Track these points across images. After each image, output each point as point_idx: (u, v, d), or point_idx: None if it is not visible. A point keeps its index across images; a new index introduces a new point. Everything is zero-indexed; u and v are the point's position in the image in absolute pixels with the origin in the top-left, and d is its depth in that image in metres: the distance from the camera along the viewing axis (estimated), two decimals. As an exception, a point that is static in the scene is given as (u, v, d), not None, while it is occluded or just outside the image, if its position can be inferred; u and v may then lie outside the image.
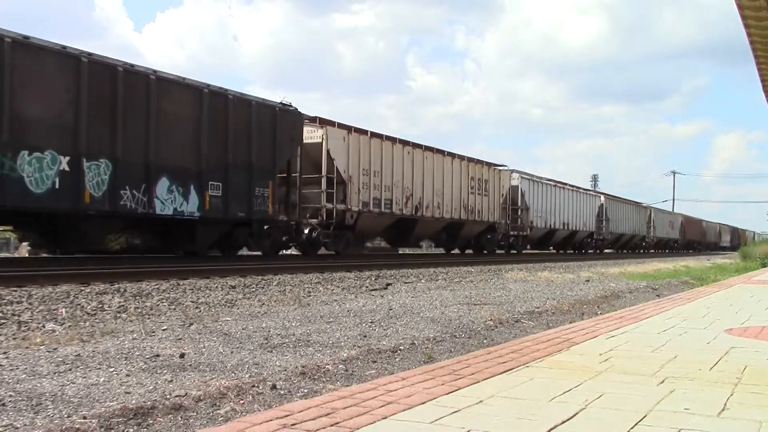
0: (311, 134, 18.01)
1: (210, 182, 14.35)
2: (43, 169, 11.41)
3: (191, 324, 5.52)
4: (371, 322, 5.82)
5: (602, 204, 39.81)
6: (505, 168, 28.60)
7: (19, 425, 2.56)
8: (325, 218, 17.91)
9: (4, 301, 6.74)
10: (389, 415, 2.34)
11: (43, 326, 5.30)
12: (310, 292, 9.12)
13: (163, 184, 13.41)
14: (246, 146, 15.24)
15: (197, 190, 14.10)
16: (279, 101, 16.54)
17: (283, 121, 16.28)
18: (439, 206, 22.79)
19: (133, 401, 2.91)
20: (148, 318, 5.98)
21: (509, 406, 2.51)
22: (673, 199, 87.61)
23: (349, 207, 18.67)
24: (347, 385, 3.23)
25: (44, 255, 14.01)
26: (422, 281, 11.93)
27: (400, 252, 24.51)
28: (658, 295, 9.78)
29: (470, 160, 25.36)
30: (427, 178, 22.12)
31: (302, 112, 17.42)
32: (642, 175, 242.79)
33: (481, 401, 2.57)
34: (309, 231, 17.72)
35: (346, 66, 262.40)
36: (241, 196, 15.13)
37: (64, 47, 11.95)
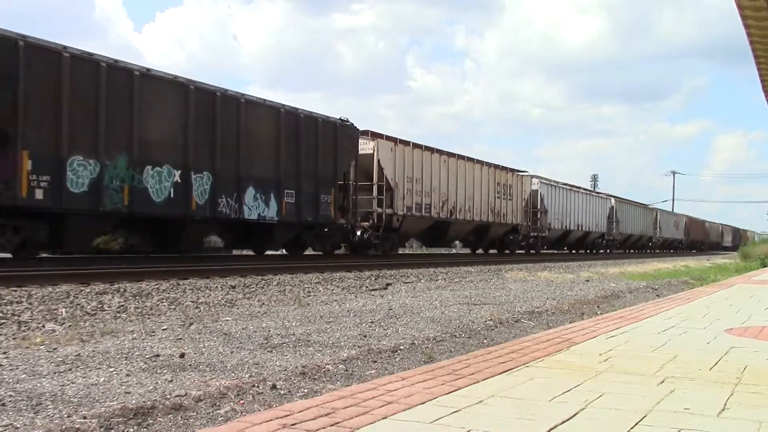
0: (364, 146, 19.75)
1: (286, 191, 16.45)
2: (162, 181, 13.44)
3: (191, 324, 5.52)
4: (371, 322, 5.82)
5: (612, 206, 41.60)
6: (527, 174, 30.57)
7: (19, 425, 2.56)
8: (375, 221, 19.96)
9: (4, 301, 6.74)
10: (389, 415, 2.34)
11: (43, 326, 5.30)
12: (310, 292, 9.12)
13: (249, 193, 15.43)
14: (314, 158, 17.26)
15: (276, 198, 16.17)
16: (338, 118, 18.43)
17: (343, 135, 18.26)
18: (469, 209, 24.89)
19: (133, 401, 2.91)
20: (148, 318, 5.98)
21: (509, 406, 2.51)
22: (673, 199, 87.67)
23: (396, 211, 20.75)
24: (347, 385, 3.23)
25: (44, 255, 14.02)
26: (422, 281, 11.93)
27: (400, 252, 25.03)
28: (658, 295, 9.78)
29: (496, 167, 27.34)
30: (460, 184, 24.26)
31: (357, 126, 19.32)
32: (642, 175, 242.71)
33: (481, 401, 2.57)
34: (361, 233, 19.72)
35: (346, 66, 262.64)
36: (310, 203, 17.17)
37: (175, 77, 14.00)
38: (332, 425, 2.20)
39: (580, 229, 36.16)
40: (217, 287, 9.08)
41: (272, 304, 7.37)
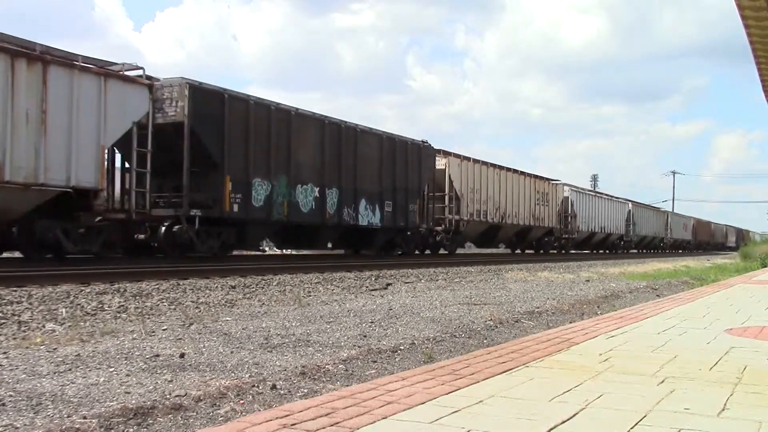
0: (438, 163, 23.30)
1: (386, 201, 20.21)
2: (307, 196, 17.21)
3: (191, 324, 5.52)
4: (371, 322, 5.82)
5: (630, 210, 45.18)
6: (560, 182, 34.68)
7: (19, 425, 2.56)
8: (447, 226, 23.67)
9: (4, 301, 6.74)
10: (389, 415, 2.34)
11: (43, 326, 5.30)
12: (310, 292, 9.12)
13: (362, 204, 19.25)
14: (404, 174, 20.94)
15: (379, 208, 19.97)
16: (420, 140, 22.28)
17: (424, 154, 22.08)
18: (515, 215, 28.65)
19: (133, 401, 2.91)
20: (148, 318, 5.98)
21: (509, 406, 2.51)
22: (673, 199, 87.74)
23: (462, 217, 24.43)
24: (347, 385, 3.23)
25: (46, 255, 14.03)
26: (422, 281, 11.93)
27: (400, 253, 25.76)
28: (658, 295, 9.78)
29: (536, 177, 31.28)
30: (509, 193, 28.06)
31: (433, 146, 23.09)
32: (642, 175, 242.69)
33: (480, 401, 2.57)
34: (434, 235, 23.46)
35: (346, 66, 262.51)
36: (402, 211, 20.90)
37: (314, 113, 17.74)
38: (332, 425, 2.20)
39: (603, 231, 39.75)
40: (217, 287, 9.08)
41: (272, 304, 7.37)
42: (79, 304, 6.72)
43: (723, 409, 2.53)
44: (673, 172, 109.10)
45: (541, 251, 32.13)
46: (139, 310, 6.48)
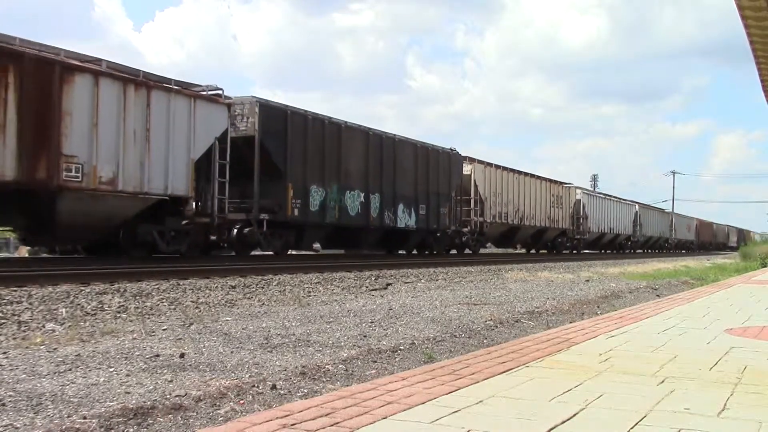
0: (464, 169, 25.40)
1: (420, 205, 22.04)
2: (354, 201, 19.01)
3: (191, 324, 5.52)
4: (371, 322, 5.82)
5: (636, 211, 47.26)
6: (572, 185, 36.55)
7: (19, 425, 2.56)
8: (473, 227, 25.80)
9: (4, 301, 6.74)
10: (389, 415, 2.34)
11: (43, 326, 5.30)
12: (310, 292, 9.12)
13: (400, 208, 21.04)
14: (436, 180, 22.91)
15: (414, 211, 21.75)
16: (449, 148, 24.20)
17: (453, 161, 24.16)
18: (533, 217, 30.57)
19: (133, 401, 2.91)
20: (148, 318, 5.98)
21: (509, 406, 2.51)
22: (673, 199, 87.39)
23: (485, 219, 26.42)
24: (347, 385, 3.23)
25: (44, 255, 14.06)
26: (422, 281, 11.93)
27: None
28: (658, 295, 9.78)
29: (551, 181, 33.27)
30: (527, 196, 30.02)
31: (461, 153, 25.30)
32: (642, 175, 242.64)
33: (480, 401, 2.57)
34: (461, 236, 25.42)
35: (346, 65, 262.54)
36: (434, 214, 22.85)
37: (359, 126, 19.66)
38: (332, 425, 2.20)
39: (612, 232, 41.89)
40: (217, 287, 9.08)
41: (272, 304, 7.37)
42: (79, 304, 6.72)
43: (723, 409, 2.53)
44: (673, 172, 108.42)
45: (555, 251, 34.05)
46: (139, 310, 6.48)
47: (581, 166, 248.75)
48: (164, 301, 7.34)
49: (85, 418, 2.63)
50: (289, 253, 18.00)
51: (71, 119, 11.62)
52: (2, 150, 10.67)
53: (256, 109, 15.82)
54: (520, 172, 29.85)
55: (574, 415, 2.39)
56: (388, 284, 10.85)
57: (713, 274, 16.37)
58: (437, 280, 12.25)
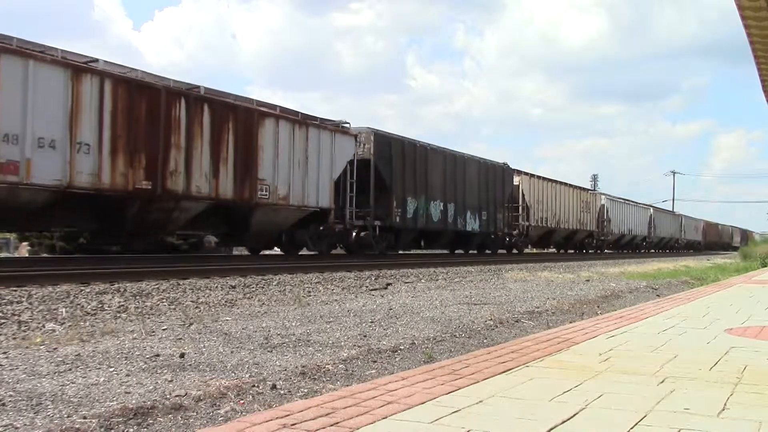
0: (513, 180, 29.50)
1: (482, 212, 26.20)
2: (436, 209, 23.02)
3: (191, 324, 5.52)
4: (371, 322, 5.82)
5: (651, 214, 51.62)
6: (598, 192, 42.42)
7: (19, 425, 2.56)
8: (520, 231, 29.95)
9: (4, 301, 6.74)
10: (389, 415, 2.34)
11: (43, 326, 5.30)
12: (310, 292, 9.12)
13: (467, 214, 25.01)
14: (493, 190, 27.15)
15: (478, 217, 25.87)
16: (503, 162, 28.35)
17: (506, 173, 28.50)
18: (566, 221, 34.87)
19: (133, 401, 2.91)
20: (148, 318, 5.98)
21: (509, 406, 2.51)
22: (673, 199, 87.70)
23: (530, 223, 30.57)
24: (347, 385, 3.23)
25: (44, 255, 14.06)
26: (422, 281, 11.93)
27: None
28: (658, 295, 9.78)
29: (581, 189, 38.45)
30: (562, 203, 34.41)
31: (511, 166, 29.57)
32: (642, 175, 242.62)
33: (481, 401, 2.57)
34: (511, 238, 29.60)
35: (346, 65, 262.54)
36: (492, 219, 27.02)
37: (439, 147, 23.69)
38: (332, 425, 2.20)
39: (630, 233, 45.89)
40: (217, 287, 9.08)
41: (272, 304, 7.37)
42: (79, 304, 6.72)
43: (723, 409, 2.53)
44: (673, 172, 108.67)
45: (583, 251, 38.69)
46: (139, 310, 6.48)
47: (581, 166, 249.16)
48: (164, 301, 7.34)
49: (85, 418, 2.63)
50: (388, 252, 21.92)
51: (263, 152, 15.60)
52: (225, 177, 14.56)
53: (372, 138, 19.77)
54: (556, 182, 34.19)
55: (574, 415, 2.39)
56: (388, 284, 10.85)
57: (713, 274, 16.37)
58: (437, 280, 12.25)
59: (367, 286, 10.31)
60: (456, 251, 27.16)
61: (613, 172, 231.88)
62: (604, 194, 42.15)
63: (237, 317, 6.06)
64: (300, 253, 18.45)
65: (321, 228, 17.99)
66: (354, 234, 19.38)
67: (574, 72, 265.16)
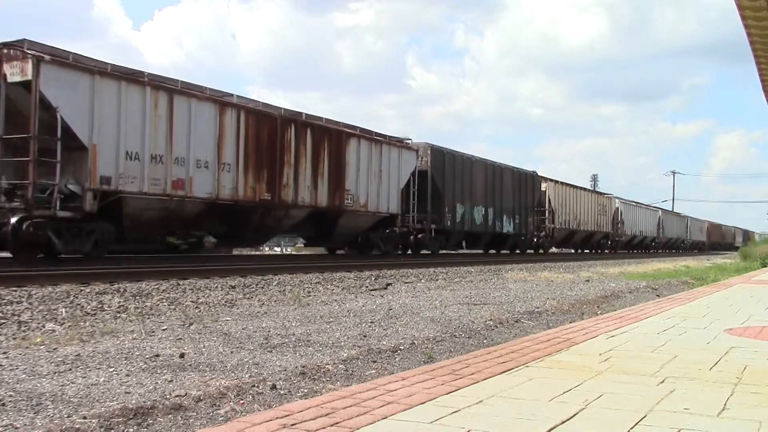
0: (541, 186, 32.39)
1: (516, 215, 29.18)
2: (479, 214, 25.89)
3: (191, 324, 5.52)
4: (371, 322, 5.82)
5: (660, 216, 54.18)
6: (612, 195, 43.95)
7: (19, 425, 2.56)
8: (547, 232, 32.65)
9: (4, 301, 6.74)
10: (389, 415, 2.34)
11: (43, 326, 5.30)
12: (310, 292, 9.12)
13: (503, 217, 28.01)
14: (525, 196, 30.04)
15: (512, 220, 28.86)
16: (532, 170, 31.68)
17: (535, 181, 31.43)
18: (585, 223, 37.69)
19: (133, 401, 2.91)
20: (148, 318, 5.98)
21: (509, 406, 2.51)
22: (673, 199, 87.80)
23: (555, 226, 33.58)
24: (347, 385, 3.23)
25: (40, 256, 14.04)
26: (422, 281, 11.92)
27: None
28: (658, 295, 9.78)
29: (598, 193, 42.63)
30: (582, 207, 37.22)
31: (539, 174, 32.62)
32: (642, 174, 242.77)
33: (481, 401, 2.57)
34: (538, 239, 32.04)
35: (346, 65, 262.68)
36: (523, 222, 29.95)
37: (481, 158, 26.80)
38: (332, 425, 2.20)
39: (641, 234, 48.59)
40: (217, 287, 9.08)
41: (272, 304, 7.36)
42: (79, 304, 6.72)
43: (723, 409, 2.53)
44: (673, 172, 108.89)
45: (598, 251, 41.38)
46: (139, 310, 6.48)
47: (581, 166, 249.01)
48: (164, 301, 7.34)
49: (85, 418, 2.63)
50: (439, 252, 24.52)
51: (348, 167, 18.59)
52: (323, 189, 17.62)
53: (428, 151, 22.76)
54: (577, 187, 37.72)
55: (574, 415, 2.39)
56: (388, 284, 10.85)
57: (713, 274, 16.37)
58: (437, 280, 12.25)
59: (367, 286, 10.31)
60: (489, 251, 29.67)
61: (613, 172, 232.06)
62: (618, 198, 44.74)
63: (237, 317, 6.06)
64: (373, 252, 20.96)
65: (387, 231, 20.87)
66: (412, 236, 22.06)
67: (574, 72, 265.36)
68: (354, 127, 19.54)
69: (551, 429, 2.21)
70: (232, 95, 16.09)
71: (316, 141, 17.45)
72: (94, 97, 12.11)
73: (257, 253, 20.08)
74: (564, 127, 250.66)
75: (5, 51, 11.66)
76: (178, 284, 9.17)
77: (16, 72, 11.52)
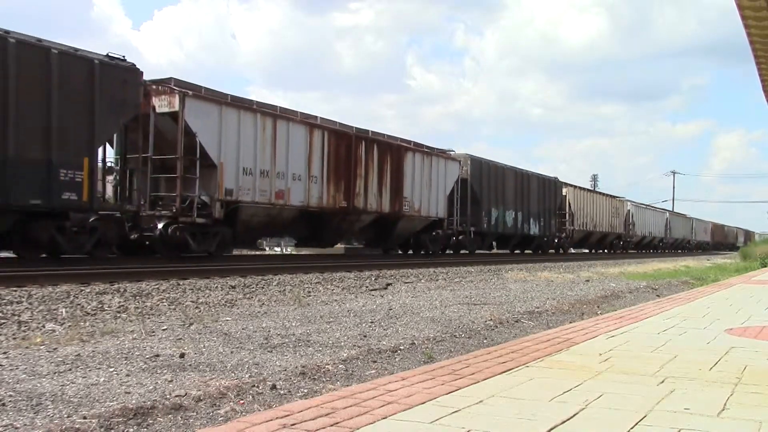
0: (562, 191, 35.01)
1: (540, 218, 31.54)
2: (510, 217, 28.33)
3: (191, 324, 5.52)
4: (371, 322, 5.82)
5: (667, 217, 56.64)
6: (624, 198, 46.50)
7: (19, 425, 2.56)
8: (567, 234, 34.94)
9: (4, 301, 6.74)
10: (389, 415, 2.34)
11: (43, 326, 5.30)
12: (310, 292, 9.12)
13: (530, 220, 30.36)
14: (547, 200, 32.47)
15: (537, 222, 31.22)
16: (553, 177, 34.05)
17: (556, 186, 33.86)
18: (601, 225, 40.03)
19: (133, 401, 2.91)
20: (148, 318, 5.98)
21: (509, 406, 2.51)
22: (673, 199, 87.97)
23: (574, 228, 35.85)
24: (347, 385, 3.23)
25: (43, 255, 14.03)
26: (422, 281, 11.93)
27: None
28: (658, 295, 9.78)
29: (611, 196, 43.76)
30: (598, 209, 39.65)
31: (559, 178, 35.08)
32: (642, 174, 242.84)
33: (481, 401, 2.57)
34: (559, 240, 34.41)
35: (346, 65, 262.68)
36: (547, 224, 32.36)
37: (512, 166, 29.21)
38: (332, 425, 2.20)
39: (650, 235, 50.89)
40: (217, 287, 9.08)
41: (272, 304, 7.37)
42: (79, 304, 6.72)
43: (723, 409, 2.53)
44: (673, 172, 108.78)
45: (611, 251, 43.41)
46: (139, 310, 6.48)
47: (581, 166, 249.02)
48: (164, 301, 7.35)
49: (85, 418, 2.63)
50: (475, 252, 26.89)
51: (405, 176, 21.11)
52: (386, 197, 20.28)
53: (468, 161, 25.39)
54: (593, 191, 41.28)
55: (574, 415, 2.39)
56: (388, 284, 10.86)
57: (713, 274, 16.37)
58: (437, 280, 12.25)
59: (367, 286, 10.31)
60: (515, 251, 31.77)
61: (613, 172, 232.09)
62: (629, 201, 47.40)
63: (237, 317, 6.06)
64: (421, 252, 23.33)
65: (434, 233, 23.14)
66: (454, 237, 24.45)
67: (574, 72, 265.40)
68: (409, 142, 22.18)
69: (551, 429, 2.21)
70: (316, 117, 18.60)
71: (381, 155, 20.06)
72: (221, 123, 14.76)
73: (257, 253, 20.10)
74: (564, 127, 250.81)
75: (154, 87, 14.17)
76: (178, 284, 9.17)
77: (164, 104, 14.06)
